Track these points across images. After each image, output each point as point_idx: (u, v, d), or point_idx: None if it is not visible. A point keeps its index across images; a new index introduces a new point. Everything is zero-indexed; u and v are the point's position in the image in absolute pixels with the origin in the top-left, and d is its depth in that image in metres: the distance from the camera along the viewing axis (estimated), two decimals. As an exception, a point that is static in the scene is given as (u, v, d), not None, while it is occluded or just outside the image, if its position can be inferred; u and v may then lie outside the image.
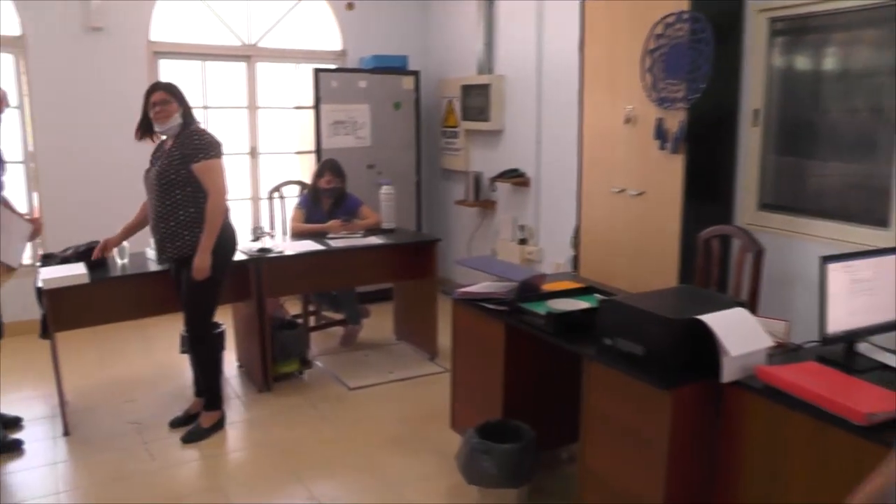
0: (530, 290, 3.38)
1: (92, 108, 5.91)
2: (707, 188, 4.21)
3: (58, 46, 5.80)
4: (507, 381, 3.33)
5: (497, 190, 6.40)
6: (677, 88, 4.04)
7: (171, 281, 4.16)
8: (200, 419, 4.16)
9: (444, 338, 3.71)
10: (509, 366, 3.31)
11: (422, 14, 7.26)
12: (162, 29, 6.25)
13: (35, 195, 5.34)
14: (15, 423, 4.26)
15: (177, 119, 3.90)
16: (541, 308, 3.11)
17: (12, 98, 5.74)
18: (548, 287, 3.52)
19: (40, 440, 4.10)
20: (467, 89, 6.53)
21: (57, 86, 5.83)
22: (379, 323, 5.90)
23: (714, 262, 3.74)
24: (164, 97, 3.88)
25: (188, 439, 4.05)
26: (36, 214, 4.78)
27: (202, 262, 3.89)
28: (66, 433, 4.14)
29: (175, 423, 4.23)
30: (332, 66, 6.81)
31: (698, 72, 3.93)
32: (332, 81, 6.42)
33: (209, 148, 3.92)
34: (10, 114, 5.72)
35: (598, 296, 3.30)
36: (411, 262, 5.26)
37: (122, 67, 5.92)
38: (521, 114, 6.07)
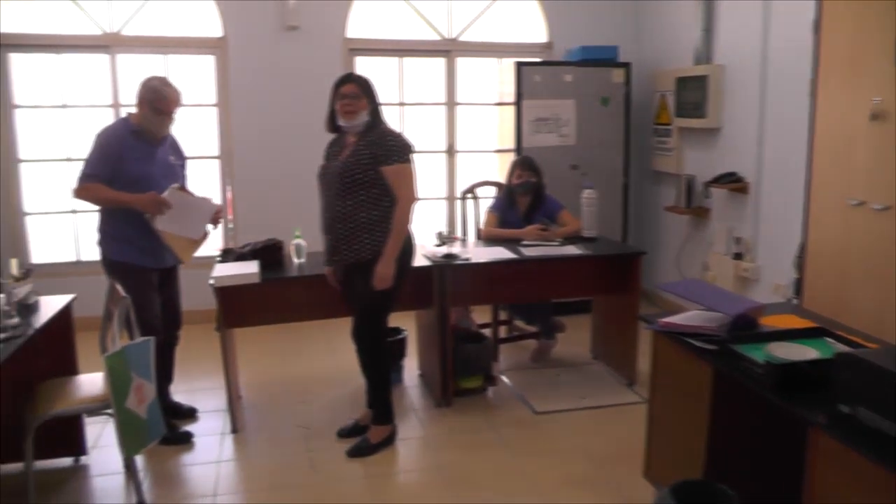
0: (746, 325, 2.81)
1: (287, 107, 5.96)
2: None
3: (256, 46, 5.93)
4: (712, 434, 2.78)
5: (711, 196, 5.72)
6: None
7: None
8: (369, 433, 3.93)
9: (645, 362, 3.22)
10: (716, 417, 2.76)
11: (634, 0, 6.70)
12: (358, 26, 6.18)
13: (229, 189, 5.42)
14: (190, 413, 4.29)
15: (363, 117, 3.66)
16: (758, 353, 2.54)
17: (211, 97, 5.95)
18: (766, 322, 2.92)
19: (209, 435, 4.09)
20: (682, 82, 5.89)
21: (254, 84, 5.96)
22: (575, 337, 5.43)
23: None
24: (354, 90, 3.64)
25: (354, 453, 3.84)
26: (229, 208, 4.82)
27: (386, 270, 3.65)
28: (235, 430, 4.11)
29: (343, 433, 4.03)
30: (536, 60, 6.41)
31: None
32: (535, 76, 6.05)
33: (403, 151, 3.67)
34: (209, 111, 5.98)
35: (829, 341, 2.67)
36: (612, 276, 4.76)
37: (318, 65, 5.89)
38: (741, 109, 5.35)
